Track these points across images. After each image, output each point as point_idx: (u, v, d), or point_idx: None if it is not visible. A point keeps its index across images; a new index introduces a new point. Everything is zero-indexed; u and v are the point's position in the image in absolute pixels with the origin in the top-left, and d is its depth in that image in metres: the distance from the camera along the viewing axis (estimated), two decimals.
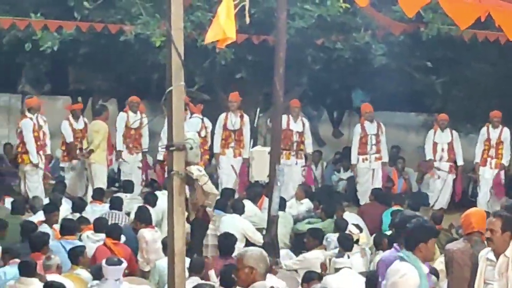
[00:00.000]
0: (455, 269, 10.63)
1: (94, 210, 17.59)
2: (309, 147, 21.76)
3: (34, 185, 19.79)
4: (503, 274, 9.40)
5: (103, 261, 12.41)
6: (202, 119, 20.77)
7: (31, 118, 20.08)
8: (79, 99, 25.93)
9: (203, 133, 20.60)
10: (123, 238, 15.56)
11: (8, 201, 17.38)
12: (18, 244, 14.06)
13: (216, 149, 21.02)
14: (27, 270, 12.54)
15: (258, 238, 16.05)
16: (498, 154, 20.27)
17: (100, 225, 15.52)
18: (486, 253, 9.83)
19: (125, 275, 13.24)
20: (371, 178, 21.02)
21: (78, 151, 20.74)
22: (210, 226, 15.75)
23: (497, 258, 9.51)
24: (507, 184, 20.78)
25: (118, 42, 20.48)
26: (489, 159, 20.37)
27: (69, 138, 20.60)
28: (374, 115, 21.12)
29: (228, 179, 20.71)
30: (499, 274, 9.41)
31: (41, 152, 19.93)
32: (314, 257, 14.74)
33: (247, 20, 10.52)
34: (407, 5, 10.69)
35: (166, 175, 10.53)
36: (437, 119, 20.98)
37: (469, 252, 10.55)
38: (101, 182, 20.03)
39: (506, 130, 20.25)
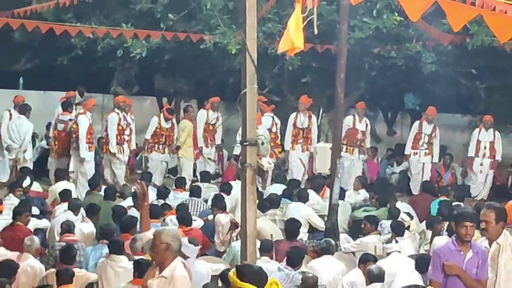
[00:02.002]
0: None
1: (176, 197, 17.68)
2: (368, 144, 21.83)
3: (120, 172, 20.14)
4: (495, 259, 9.37)
5: (185, 241, 12.49)
6: (273, 117, 20.85)
7: (117, 113, 20.24)
8: (164, 99, 26.03)
9: (274, 129, 20.77)
10: (201, 222, 15.66)
11: (103, 189, 17.50)
12: (109, 226, 14.14)
13: (287, 145, 21.07)
14: (116, 248, 12.67)
15: (320, 224, 16.05)
16: None
17: (183, 210, 15.64)
18: (481, 242, 9.83)
19: (200, 255, 13.35)
20: (421, 171, 20.97)
21: (159, 147, 20.91)
22: (277, 212, 15.79)
23: (490, 245, 9.50)
24: None
25: (199, 49, 20.58)
26: None
27: (148, 135, 20.84)
28: (434, 119, 21.04)
29: (298, 171, 20.76)
30: (492, 260, 9.38)
31: (125, 146, 20.13)
32: (370, 241, 14.69)
33: (315, 31, 10.56)
34: (454, 20, 10.63)
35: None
36: (483, 120, 20.83)
37: None
38: (187, 173, 20.19)
39: None
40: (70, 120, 20.02)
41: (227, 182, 18.22)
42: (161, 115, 21.18)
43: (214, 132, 21.52)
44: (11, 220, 14.62)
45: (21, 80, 28.81)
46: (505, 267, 9.22)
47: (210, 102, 21.55)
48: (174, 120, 21.32)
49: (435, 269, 9.03)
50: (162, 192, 17.84)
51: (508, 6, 11.10)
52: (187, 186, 18.70)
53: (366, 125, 21.41)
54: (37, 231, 14.60)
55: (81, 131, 19.63)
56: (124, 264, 12.06)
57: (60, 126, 20.21)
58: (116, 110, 20.37)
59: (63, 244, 13.10)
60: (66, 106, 20.60)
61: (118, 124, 20.07)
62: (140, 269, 11.20)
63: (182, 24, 20.75)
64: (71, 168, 19.86)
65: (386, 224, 16.05)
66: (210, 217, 15.62)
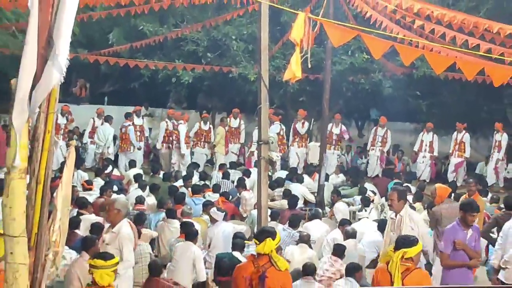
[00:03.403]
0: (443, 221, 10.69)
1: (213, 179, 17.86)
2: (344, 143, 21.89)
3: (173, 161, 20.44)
4: (399, 226, 9.39)
5: (214, 209, 12.53)
6: (280, 124, 20.85)
7: (166, 122, 20.67)
8: (205, 112, 26.09)
9: (281, 133, 20.77)
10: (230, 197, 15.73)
11: (161, 173, 17.56)
12: (166, 199, 14.16)
13: (289, 143, 21.09)
14: (171, 214, 12.71)
15: (312, 198, 16.04)
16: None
17: (216, 188, 15.70)
18: (390, 214, 9.87)
19: (229, 219, 13.39)
20: (376, 161, 21.03)
21: (201, 143, 21.02)
22: (277, 190, 15.79)
23: (396, 216, 9.53)
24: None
25: (228, 78, 20.67)
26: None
27: (192, 134, 20.90)
28: (385, 125, 21.02)
29: (294, 161, 20.73)
30: (397, 227, 9.41)
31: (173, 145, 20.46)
32: (339, 206, 14.94)
33: (309, 65, 10.54)
34: (405, 57, 10.62)
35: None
36: (426, 126, 20.78)
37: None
38: (220, 163, 20.22)
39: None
40: (129, 125, 20.22)
41: (248, 169, 18.22)
42: (201, 121, 21.25)
43: (237, 134, 21.49)
44: (98, 195, 14.72)
45: (106, 98, 28.88)
46: (405, 231, 9.21)
47: (232, 113, 21.61)
48: (210, 125, 21.43)
49: (447, 244, 8.92)
50: (203, 175, 17.90)
51: (442, 49, 11.11)
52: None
53: (341, 129, 21.20)
54: None
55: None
56: (176, 225, 12.10)
57: (123, 130, 20.35)
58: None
59: (136, 211, 13.15)
60: (128, 116, 20.71)
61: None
62: (185, 228, 11.29)
63: (217, 60, 20.80)
64: (173, 161, 20.43)
65: (357, 198, 16.07)
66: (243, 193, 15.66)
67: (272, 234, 7.41)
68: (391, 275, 7.35)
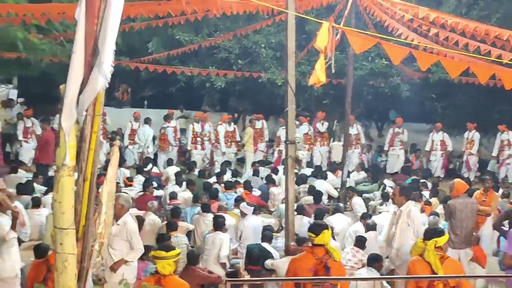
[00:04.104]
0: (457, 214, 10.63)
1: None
2: (363, 141, 21.72)
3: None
4: (398, 220, 9.39)
5: (244, 204, 12.55)
6: (308, 125, 20.87)
7: (192, 124, 20.89)
8: (235, 115, 26.10)
9: (309, 133, 20.81)
10: (259, 192, 15.70)
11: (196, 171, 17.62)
12: (201, 195, 14.21)
13: (312, 143, 21.00)
14: (206, 208, 12.75)
15: (335, 193, 15.99)
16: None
17: (247, 184, 15.69)
18: (394, 208, 9.83)
19: (258, 213, 13.39)
20: (396, 159, 20.87)
21: (230, 144, 21.04)
22: (302, 186, 15.75)
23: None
24: None
25: (258, 83, 20.60)
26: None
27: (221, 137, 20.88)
28: (402, 125, 20.92)
29: (318, 160, 20.67)
30: (396, 220, 9.36)
31: (205, 145, 20.63)
32: (356, 201, 14.89)
33: (333, 70, 10.52)
34: (422, 63, 10.56)
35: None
36: (436, 126, 20.76)
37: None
38: (249, 162, 20.19)
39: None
40: (168, 127, 20.45)
41: (275, 167, 18.21)
42: (226, 122, 21.31)
43: (261, 134, 21.60)
44: (138, 190, 14.83)
45: (145, 102, 29.01)
46: (401, 225, 9.27)
47: (255, 117, 21.80)
48: (234, 126, 21.57)
49: (511, 245, 8.71)
50: (235, 172, 17.94)
51: (455, 54, 11.01)
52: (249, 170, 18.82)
53: (358, 129, 21.10)
54: (157, 198, 14.74)
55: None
56: (210, 218, 12.12)
57: (162, 131, 20.48)
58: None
59: (171, 206, 13.21)
60: (166, 118, 20.80)
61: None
62: (217, 222, 11.34)
63: (247, 66, 20.77)
64: (204, 159, 20.69)
65: (377, 194, 15.99)
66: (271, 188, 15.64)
67: (325, 226, 7.49)
68: (430, 265, 7.34)
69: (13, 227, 9.07)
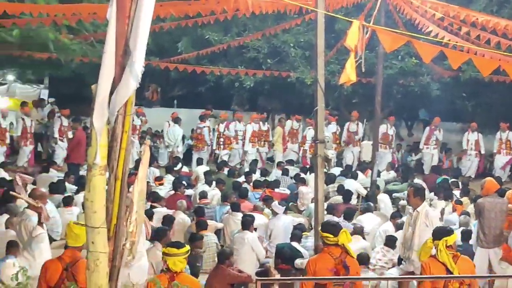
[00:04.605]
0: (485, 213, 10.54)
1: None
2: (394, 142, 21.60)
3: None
4: (415, 221, 9.26)
5: (276, 203, 12.55)
6: (336, 125, 20.83)
7: (218, 124, 21.09)
8: (265, 113, 26.13)
9: (337, 133, 20.76)
10: (287, 191, 15.69)
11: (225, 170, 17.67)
12: (230, 193, 14.22)
13: (343, 143, 20.93)
14: (235, 207, 12.78)
15: (364, 193, 15.90)
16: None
17: (274, 184, 15.69)
18: (410, 209, 9.73)
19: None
20: (430, 159, 20.70)
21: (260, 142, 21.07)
22: (330, 186, 15.67)
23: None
24: None
25: (287, 82, 20.58)
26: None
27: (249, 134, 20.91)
28: (439, 125, 20.81)
29: (350, 160, 20.59)
30: (413, 222, 9.26)
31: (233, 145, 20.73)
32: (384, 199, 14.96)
33: (363, 69, 10.47)
34: (453, 61, 10.48)
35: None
36: (470, 125, 20.59)
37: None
38: (278, 160, 20.18)
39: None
40: (204, 127, 20.48)
41: (304, 166, 18.17)
42: (255, 122, 21.32)
43: (296, 134, 21.48)
44: (168, 189, 14.90)
45: (175, 102, 29.17)
46: (420, 226, 9.14)
47: (294, 117, 21.73)
48: (268, 125, 21.50)
49: None
50: (264, 172, 17.94)
51: (486, 52, 10.90)
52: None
53: (394, 130, 21.07)
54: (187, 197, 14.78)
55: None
56: (239, 217, 12.13)
57: (198, 131, 20.55)
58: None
59: (201, 205, 13.26)
60: (202, 118, 20.87)
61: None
62: (245, 221, 11.35)
63: (276, 66, 20.76)
64: (231, 158, 20.73)
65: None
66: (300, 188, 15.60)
67: (340, 226, 7.54)
68: (444, 264, 7.28)
69: (39, 223, 9.15)
